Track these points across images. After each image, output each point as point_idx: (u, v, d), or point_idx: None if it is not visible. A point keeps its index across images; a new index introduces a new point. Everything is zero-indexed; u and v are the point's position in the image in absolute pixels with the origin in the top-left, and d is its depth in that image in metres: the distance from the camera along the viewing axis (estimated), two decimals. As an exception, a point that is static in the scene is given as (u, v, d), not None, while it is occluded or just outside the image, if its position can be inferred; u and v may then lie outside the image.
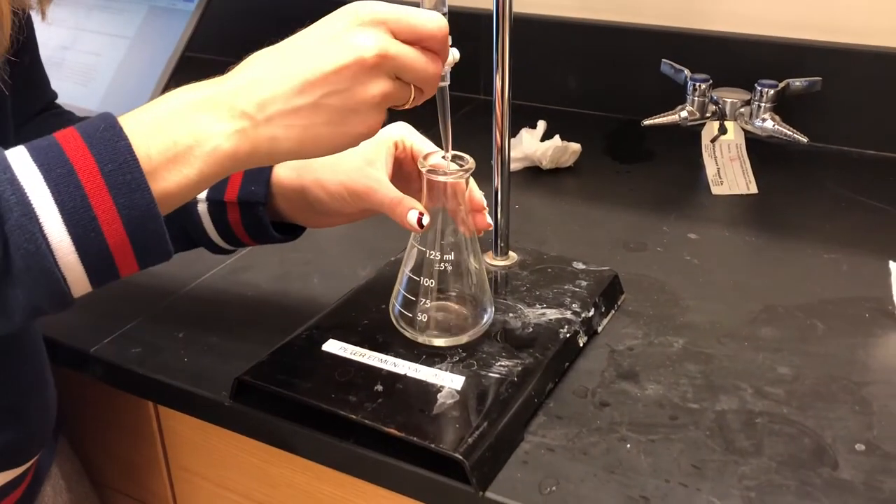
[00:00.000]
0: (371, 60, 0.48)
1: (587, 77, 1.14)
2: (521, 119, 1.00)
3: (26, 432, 0.61)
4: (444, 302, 0.62)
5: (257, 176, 0.63)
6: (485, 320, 0.63)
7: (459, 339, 0.62)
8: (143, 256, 0.47)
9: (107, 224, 0.45)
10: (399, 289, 0.63)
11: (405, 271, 0.62)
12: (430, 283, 0.61)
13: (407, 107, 0.52)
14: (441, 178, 0.59)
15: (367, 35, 0.48)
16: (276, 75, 0.48)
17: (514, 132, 0.92)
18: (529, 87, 1.12)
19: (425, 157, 0.60)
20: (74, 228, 0.44)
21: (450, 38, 0.53)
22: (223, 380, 0.63)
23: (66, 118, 0.72)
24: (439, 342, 0.62)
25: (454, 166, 0.59)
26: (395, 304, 0.63)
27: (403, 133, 0.64)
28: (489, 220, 0.64)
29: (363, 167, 0.61)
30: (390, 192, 0.60)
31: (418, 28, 0.49)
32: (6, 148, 0.45)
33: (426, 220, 0.59)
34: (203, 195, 0.65)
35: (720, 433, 0.58)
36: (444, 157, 0.59)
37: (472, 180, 0.62)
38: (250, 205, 0.64)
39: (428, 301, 0.62)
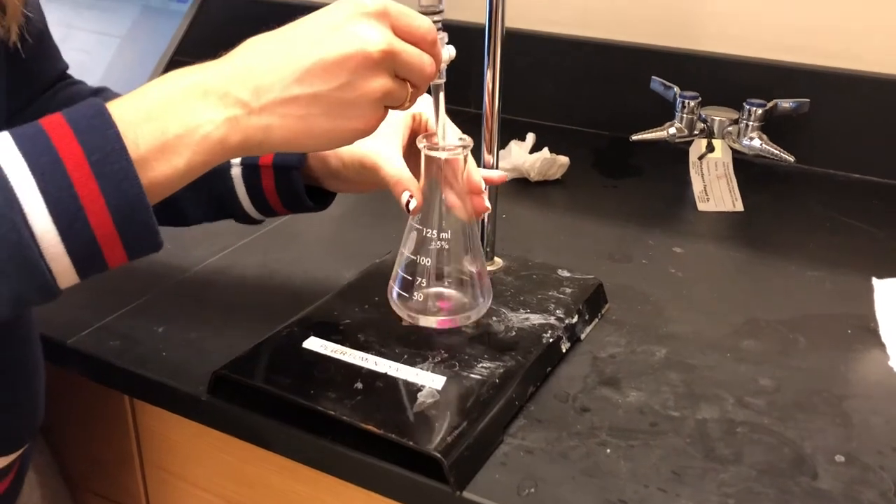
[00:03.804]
0: (376, 55, 0.47)
1: (577, 93, 1.15)
2: (510, 133, 1.01)
3: (18, 419, 0.60)
4: (441, 282, 0.62)
5: None
6: (482, 303, 0.62)
7: (457, 319, 0.62)
8: (132, 247, 0.46)
9: (94, 214, 0.43)
10: (397, 270, 0.62)
11: (403, 252, 0.62)
12: (427, 262, 0.60)
13: (405, 107, 0.51)
14: (434, 154, 0.58)
15: (373, 28, 0.47)
16: (274, 62, 0.47)
17: (503, 145, 0.93)
18: (519, 101, 1.12)
19: (426, 136, 0.59)
20: (60, 219, 0.43)
21: (446, 35, 0.53)
22: (201, 375, 0.62)
23: (79, 88, 0.70)
24: (437, 322, 0.62)
25: (452, 144, 0.59)
26: (394, 287, 0.62)
27: (422, 107, 0.63)
28: (488, 203, 0.62)
29: (378, 139, 0.59)
30: (393, 170, 0.59)
31: (415, 28, 0.49)
32: None
33: (413, 204, 0.58)
34: (238, 160, 0.64)
35: (700, 441, 0.58)
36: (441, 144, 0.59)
37: (472, 162, 0.61)
38: (285, 169, 0.63)
39: (426, 281, 0.61)
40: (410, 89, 0.50)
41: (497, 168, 0.72)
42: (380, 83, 0.48)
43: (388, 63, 0.48)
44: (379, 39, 0.47)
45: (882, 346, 0.68)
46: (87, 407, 0.75)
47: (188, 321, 0.70)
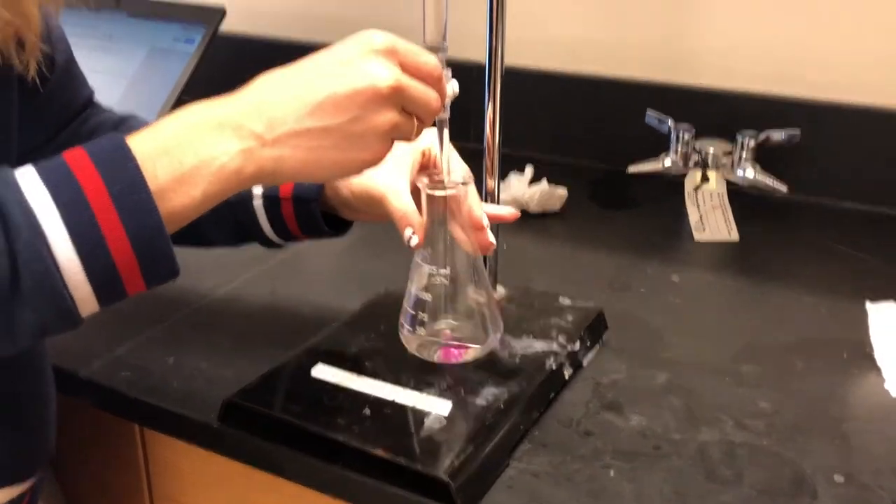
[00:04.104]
0: (385, 90, 0.49)
1: (573, 127, 1.17)
2: (509, 166, 1.03)
3: (29, 449, 0.61)
4: (449, 317, 0.63)
5: None
6: (490, 338, 0.64)
7: (465, 355, 0.63)
8: (151, 275, 0.48)
9: (114, 244, 0.45)
10: (406, 306, 0.63)
11: (410, 288, 0.63)
12: (433, 298, 0.62)
13: (411, 140, 0.54)
14: (431, 192, 0.60)
15: (382, 64, 0.49)
16: (287, 96, 0.49)
17: (501, 178, 0.95)
18: (518, 135, 1.15)
19: (427, 174, 0.61)
20: (82, 249, 0.45)
21: (450, 71, 0.55)
22: (212, 403, 0.63)
23: (107, 115, 0.73)
24: (446, 358, 0.63)
25: (452, 181, 0.60)
26: (403, 323, 0.64)
27: (431, 142, 0.65)
28: (492, 238, 0.63)
29: (386, 172, 0.61)
30: (399, 204, 0.61)
31: (422, 64, 0.52)
32: (9, 146, 0.46)
33: (414, 241, 0.60)
34: (259, 191, 0.67)
35: (702, 462, 0.59)
36: (443, 180, 0.60)
37: (474, 197, 0.63)
38: (304, 200, 0.66)
39: (433, 317, 0.62)
40: (416, 123, 0.52)
41: (497, 200, 0.74)
42: (388, 117, 0.50)
43: (396, 98, 0.50)
44: (388, 76, 0.49)
45: (878, 369, 0.70)
46: (96, 437, 0.76)
47: (199, 351, 0.71)
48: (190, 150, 0.48)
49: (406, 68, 0.51)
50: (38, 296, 0.44)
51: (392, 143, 0.52)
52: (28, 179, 0.45)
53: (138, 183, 0.46)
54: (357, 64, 0.49)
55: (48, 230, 0.44)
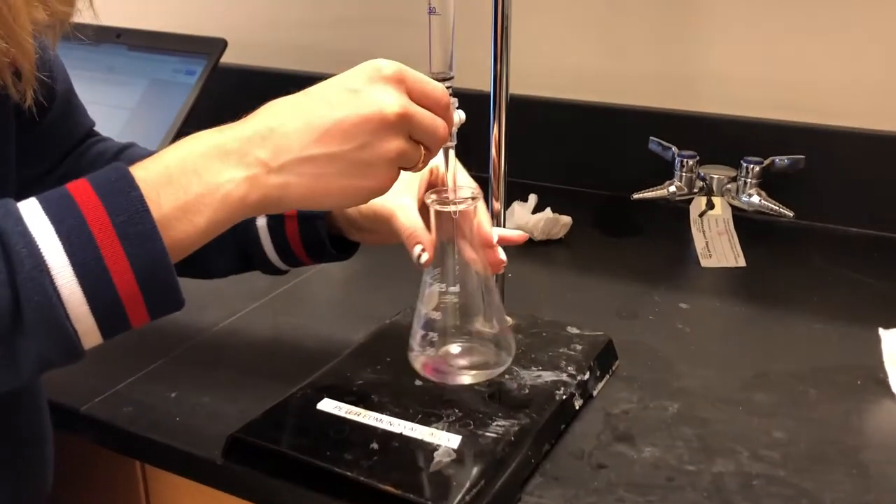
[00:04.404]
0: (392, 117, 0.49)
1: (577, 154, 1.17)
2: (512, 195, 1.02)
3: (26, 486, 0.59)
4: (461, 338, 0.62)
5: None
6: (503, 358, 0.62)
7: (478, 377, 0.62)
8: (155, 307, 0.47)
9: (118, 275, 0.45)
10: (415, 328, 0.62)
11: (419, 308, 0.62)
12: (442, 318, 0.60)
13: (419, 168, 0.53)
14: (440, 208, 0.59)
15: (390, 92, 0.49)
16: (294, 124, 0.48)
17: (505, 206, 0.94)
18: (521, 163, 1.14)
19: (435, 191, 0.60)
20: (86, 280, 0.44)
21: (456, 101, 0.55)
22: (215, 439, 0.62)
23: (107, 144, 0.72)
24: (458, 380, 0.61)
25: (460, 197, 0.59)
26: (413, 345, 0.62)
27: (439, 161, 0.65)
28: (502, 255, 0.62)
29: (394, 190, 0.60)
30: (407, 221, 0.60)
31: (429, 92, 0.51)
32: (8, 177, 0.45)
33: (424, 258, 0.59)
34: None
35: (718, 495, 0.57)
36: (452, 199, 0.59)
37: (483, 215, 0.62)
38: (309, 219, 0.64)
39: (443, 337, 0.61)
40: (423, 152, 0.52)
41: (503, 222, 0.73)
42: (395, 145, 0.50)
43: (403, 126, 0.49)
44: (395, 103, 0.49)
45: (892, 395, 0.68)
46: (97, 476, 0.74)
47: (201, 386, 0.70)
48: (195, 178, 0.47)
49: (413, 96, 0.50)
50: (40, 327, 0.43)
51: (398, 171, 0.52)
52: (30, 211, 0.45)
53: (142, 213, 0.45)
54: (365, 91, 0.49)
55: (51, 261, 0.43)
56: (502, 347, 0.62)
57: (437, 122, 0.51)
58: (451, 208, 0.59)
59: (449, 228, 0.60)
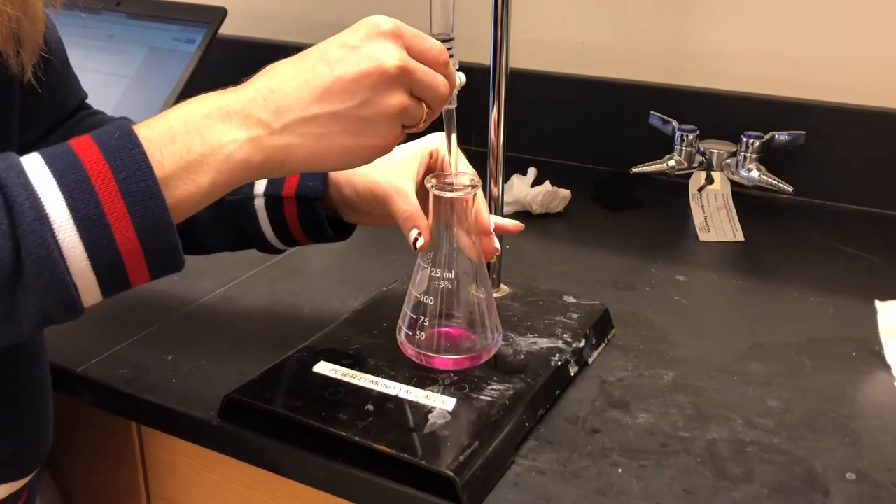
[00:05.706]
0: (392, 70, 0.48)
1: (577, 129, 1.17)
2: (512, 168, 1.02)
3: (28, 441, 0.59)
4: (450, 322, 0.62)
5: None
6: (491, 344, 0.62)
7: (467, 360, 0.62)
8: (155, 266, 0.47)
9: (119, 232, 0.45)
10: (406, 310, 0.62)
11: (411, 291, 0.62)
12: (434, 302, 0.61)
13: (420, 127, 0.53)
14: (439, 193, 0.59)
15: (388, 46, 0.49)
16: (295, 84, 0.48)
17: (504, 180, 0.94)
18: (521, 137, 1.14)
19: (434, 176, 0.60)
20: (87, 235, 0.44)
21: (457, 62, 0.55)
22: (211, 401, 0.62)
23: (99, 117, 0.72)
24: (446, 363, 0.62)
25: (460, 184, 0.59)
26: (402, 326, 0.62)
27: (439, 144, 0.64)
28: (497, 244, 0.63)
29: (392, 172, 0.61)
30: (405, 205, 0.60)
31: (427, 50, 0.51)
32: (10, 147, 0.45)
33: (420, 242, 0.59)
34: (261, 190, 0.65)
35: (711, 460, 0.58)
36: (450, 177, 0.59)
37: (482, 202, 0.62)
38: (308, 200, 0.64)
39: (433, 321, 0.61)
40: (425, 109, 0.51)
41: (501, 201, 0.73)
42: (397, 100, 0.49)
43: (404, 80, 0.49)
44: (395, 56, 0.49)
45: (887, 367, 0.69)
46: (93, 438, 0.75)
47: (197, 349, 0.70)
48: (197, 138, 0.47)
49: (412, 52, 0.50)
50: (40, 281, 0.43)
51: (402, 129, 0.51)
52: (33, 164, 0.45)
53: (145, 170, 0.45)
54: (363, 47, 0.49)
55: (52, 214, 0.43)
56: (491, 333, 0.62)
57: (438, 79, 0.51)
58: (451, 194, 0.59)
59: (447, 213, 0.60)
